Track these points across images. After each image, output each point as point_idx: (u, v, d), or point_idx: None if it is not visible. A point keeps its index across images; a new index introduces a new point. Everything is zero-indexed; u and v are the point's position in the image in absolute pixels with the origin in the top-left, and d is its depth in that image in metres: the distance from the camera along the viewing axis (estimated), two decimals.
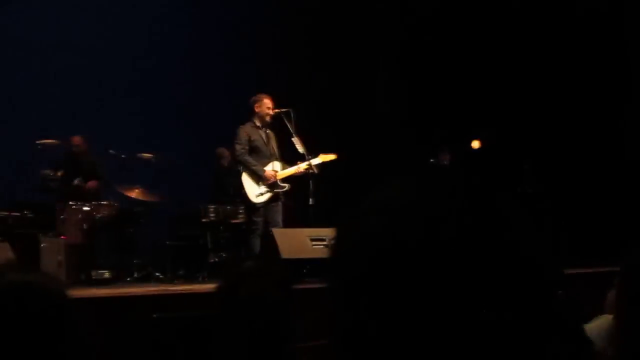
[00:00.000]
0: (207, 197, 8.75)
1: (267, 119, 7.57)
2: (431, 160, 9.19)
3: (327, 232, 7.14)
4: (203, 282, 7.50)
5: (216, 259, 8.02)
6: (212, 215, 8.13)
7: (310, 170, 7.41)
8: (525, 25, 10.59)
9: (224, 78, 10.57)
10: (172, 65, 10.56)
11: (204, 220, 8.14)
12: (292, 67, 10.80)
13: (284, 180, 7.55)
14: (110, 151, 8.24)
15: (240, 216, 8.02)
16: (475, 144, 10.18)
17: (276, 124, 7.68)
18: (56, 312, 1.55)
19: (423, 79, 11.12)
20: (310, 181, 7.40)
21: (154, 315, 4.65)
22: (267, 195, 7.40)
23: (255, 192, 7.40)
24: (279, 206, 7.55)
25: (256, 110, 7.57)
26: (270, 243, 7.04)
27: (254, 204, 7.43)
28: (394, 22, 11.65)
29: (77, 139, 8.52)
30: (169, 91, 10.47)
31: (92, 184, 8.36)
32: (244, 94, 7.88)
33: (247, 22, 11.08)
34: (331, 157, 7.59)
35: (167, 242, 8.40)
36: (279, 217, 7.51)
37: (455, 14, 11.12)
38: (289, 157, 7.65)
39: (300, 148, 7.44)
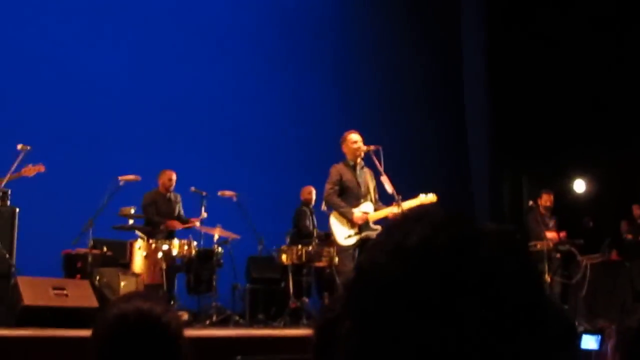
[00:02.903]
0: (289, 238, 8.39)
1: (359, 153, 7.04)
2: (530, 202, 8.58)
3: None
4: (283, 327, 7.12)
5: (298, 304, 7.60)
6: (294, 257, 7.75)
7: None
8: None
9: (309, 117, 10.35)
10: (257, 104, 10.42)
11: (285, 262, 7.76)
12: (381, 104, 10.50)
13: (377, 222, 7.00)
14: (192, 188, 8.02)
15: (325, 259, 7.59)
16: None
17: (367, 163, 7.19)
18: (169, 346, 1.60)
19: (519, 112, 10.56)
20: None
21: (238, 358, 4.25)
22: (356, 238, 6.87)
23: (344, 234, 6.87)
24: None
25: (344, 150, 7.11)
26: None
27: (343, 247, 6.89)
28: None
29: (170, 173, 8.31)
30: (252, 129, 10.31)
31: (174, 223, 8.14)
32: (331, 134, 7.45)
33: (334, 60, 10.92)
34: (430, 199, 6.99)
35: (248, 285, 8.06)
36: None
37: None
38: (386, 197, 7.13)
39: (389, 188, 6.91)
